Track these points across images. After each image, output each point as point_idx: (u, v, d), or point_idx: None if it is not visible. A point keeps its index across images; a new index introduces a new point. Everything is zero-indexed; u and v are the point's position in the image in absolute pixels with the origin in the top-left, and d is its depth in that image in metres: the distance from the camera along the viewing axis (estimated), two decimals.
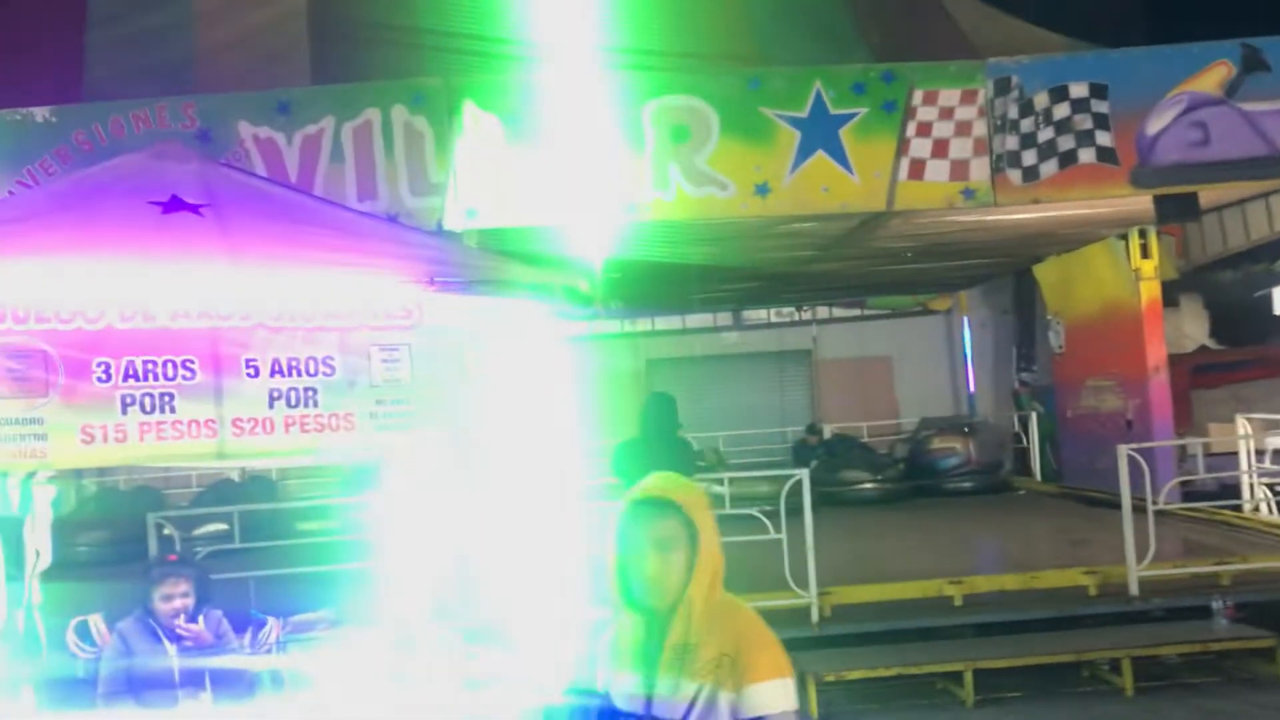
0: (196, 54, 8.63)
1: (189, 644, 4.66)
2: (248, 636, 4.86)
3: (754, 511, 8.49)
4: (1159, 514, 8.26)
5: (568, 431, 4.33)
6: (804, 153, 7.69)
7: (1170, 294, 17.36)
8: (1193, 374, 15.75)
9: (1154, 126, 7.61)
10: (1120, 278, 12.23)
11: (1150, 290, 11.99)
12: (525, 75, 7.62)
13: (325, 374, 3.77)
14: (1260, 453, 10.96)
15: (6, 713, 4.00)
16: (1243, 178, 7.95)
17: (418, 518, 4.35)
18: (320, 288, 3.76)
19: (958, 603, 8.29)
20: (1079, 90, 7.80)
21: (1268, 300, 13.02)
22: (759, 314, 20.07)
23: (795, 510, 8.32)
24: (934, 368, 19.46)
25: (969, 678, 7.15)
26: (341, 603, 5.22)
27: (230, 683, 4.63)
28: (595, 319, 12.94)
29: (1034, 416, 14.95)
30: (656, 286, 13.35)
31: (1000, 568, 9.28)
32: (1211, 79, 7.62)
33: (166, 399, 3.60)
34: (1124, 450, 8.41)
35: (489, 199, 7.35)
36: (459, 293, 3.92)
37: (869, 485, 14.64)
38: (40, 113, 7.65)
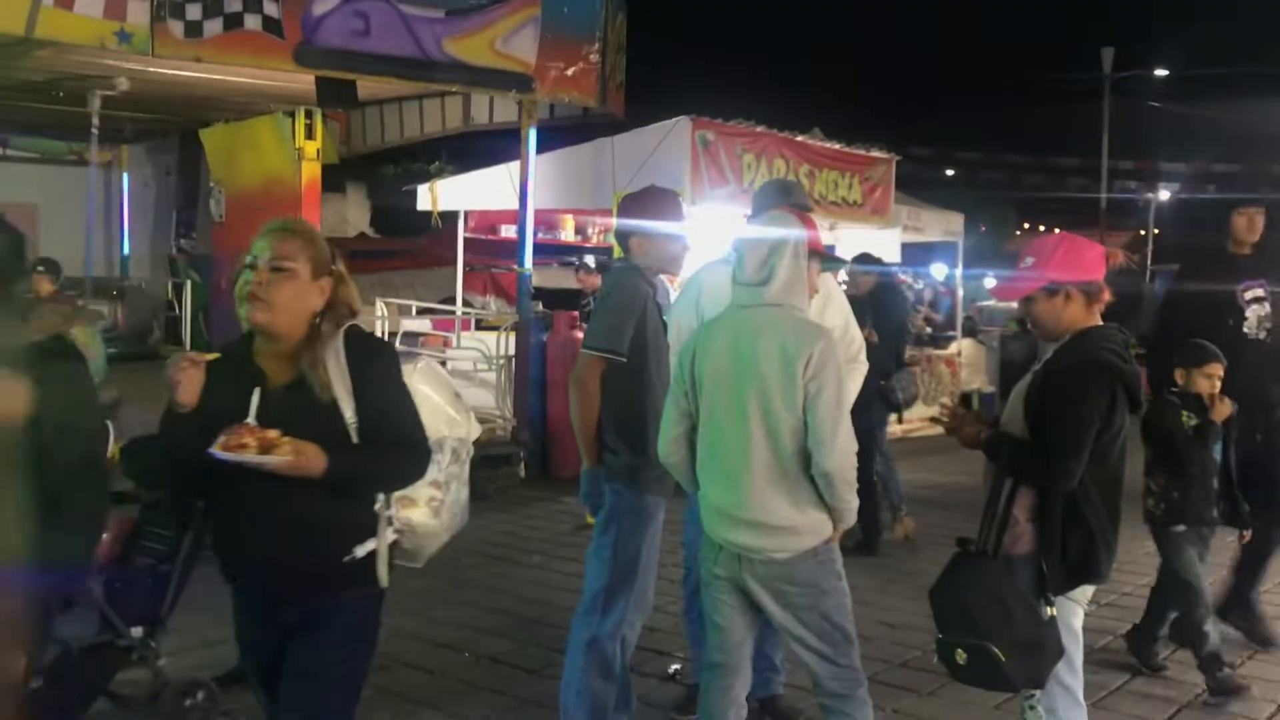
0: None
1: None
2: None
3: None
4: None
5: None
6: None
7: (338, 180, 18.18)
8: (349, 258, 16.66)
9: (320, 7, 7.70)
10: (284, 154, 12.42)
11: (311, 171, 12.39)
12: None
13: None
14: (394, 334, 12.03)
15: None
16: (395, 75, 8.42)
17: None
18: None
19: None
20: None
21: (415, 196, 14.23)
22: None
23: None
24: (88, 224, 18.04)
25: None
26: None
27: None
28: None
29: (189, 285, 14.65)
30: None
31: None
32: None
33: None
34: None
35: None
36: None
37: None
38: None
